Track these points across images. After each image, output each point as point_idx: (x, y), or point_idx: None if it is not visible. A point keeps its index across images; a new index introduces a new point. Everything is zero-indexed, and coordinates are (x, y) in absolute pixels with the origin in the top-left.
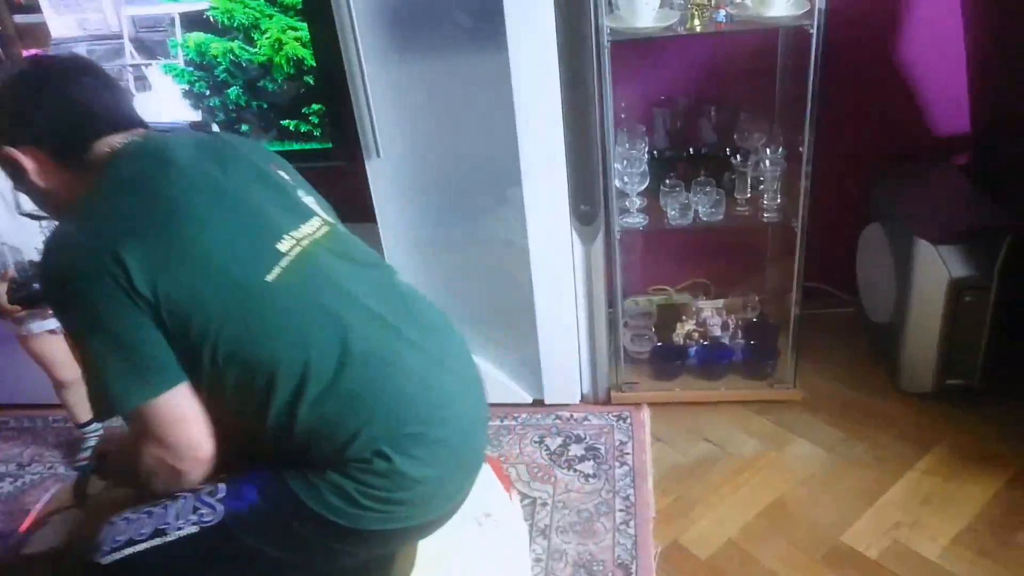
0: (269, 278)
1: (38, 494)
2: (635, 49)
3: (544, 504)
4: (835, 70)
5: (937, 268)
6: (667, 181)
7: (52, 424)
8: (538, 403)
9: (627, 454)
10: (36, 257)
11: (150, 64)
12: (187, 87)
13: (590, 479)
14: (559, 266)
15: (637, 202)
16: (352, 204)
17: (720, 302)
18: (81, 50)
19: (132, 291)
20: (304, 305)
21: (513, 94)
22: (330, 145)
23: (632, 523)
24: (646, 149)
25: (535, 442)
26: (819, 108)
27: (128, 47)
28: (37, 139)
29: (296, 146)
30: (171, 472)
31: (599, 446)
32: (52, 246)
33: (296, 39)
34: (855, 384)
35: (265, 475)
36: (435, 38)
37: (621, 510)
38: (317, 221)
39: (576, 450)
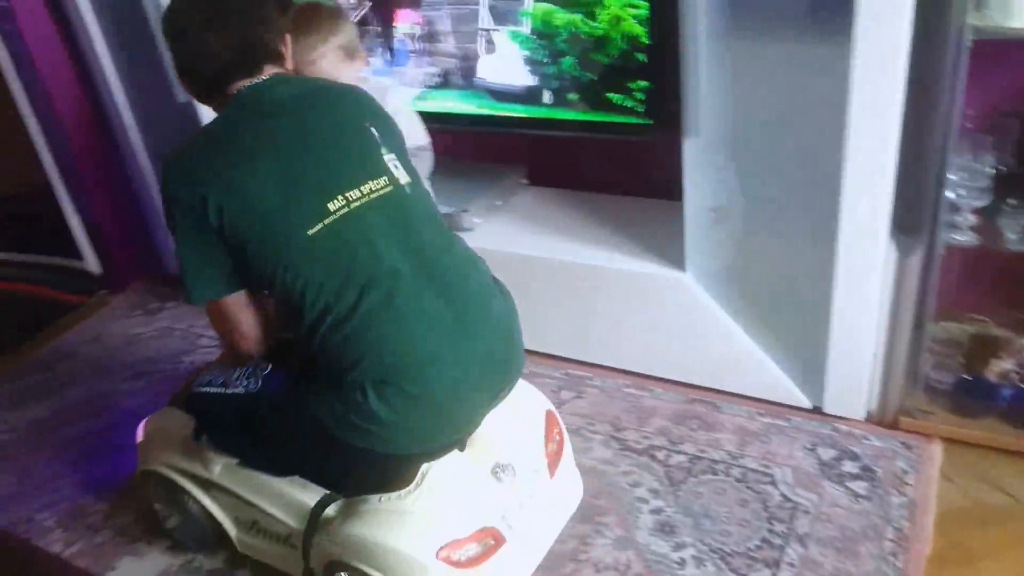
0: (310, 232)
1: None
2: (995, 51)
3: (806, 512)
4: None
5: None
6: (1011, 200)
7: None
8: (816, 410)
9: (907, 484)
10: None
11: (499, 30)
12: (528, 53)
13: (860, 500)
14: (867, 273)
15: (970, 219)
16: (653, 180)
17: None
18: (445, 14)
19: (205, 220)
20: (335, 259)
21: (849, 87)
22: (650, 122)
23: (901, 557)
24: (991, 163)
25: (806, 448)
26: None
27: (483, 13)
28: (182, 75)
29: (615, 118)
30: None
31: (876, 469)
32: (168, 160)
33: (634, 16)
34: None
35: (298, 371)
36: (774, 21)
37: (890, 540)
38: (384, 180)
39: (850, 467)
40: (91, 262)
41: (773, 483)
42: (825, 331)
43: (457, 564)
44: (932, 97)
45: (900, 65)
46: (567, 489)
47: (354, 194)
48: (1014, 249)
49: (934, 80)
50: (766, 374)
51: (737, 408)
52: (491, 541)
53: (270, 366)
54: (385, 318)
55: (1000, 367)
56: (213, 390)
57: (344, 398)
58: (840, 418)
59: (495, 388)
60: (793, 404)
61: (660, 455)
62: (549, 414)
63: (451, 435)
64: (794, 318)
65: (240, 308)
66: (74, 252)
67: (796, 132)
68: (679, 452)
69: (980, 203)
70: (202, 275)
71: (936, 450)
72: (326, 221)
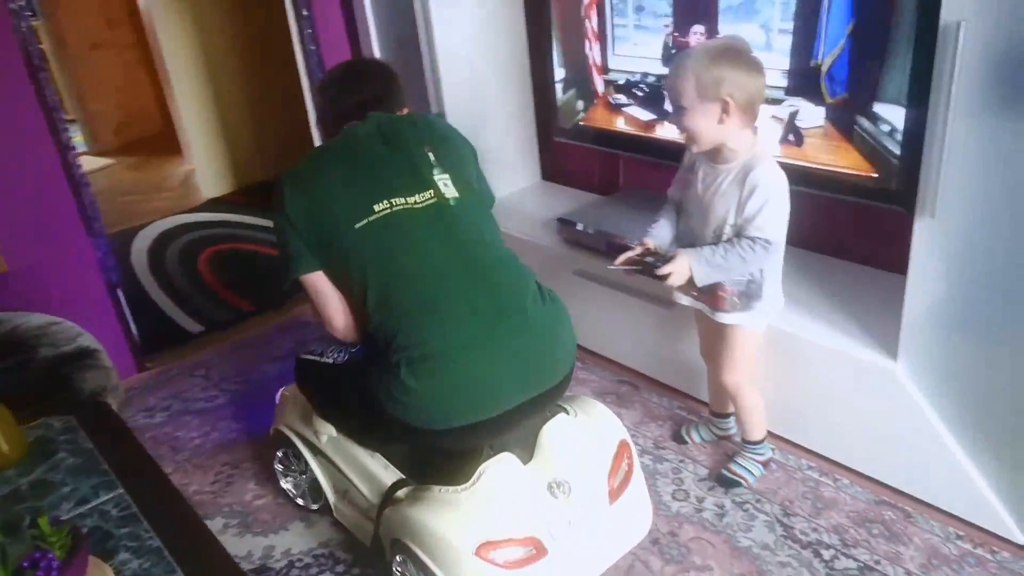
0: (358, 226)
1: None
2: None
3: None
4: None
5: None
6: None
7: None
8: None
9: None
10: None
11: None
12: None
13: None
14: None
15: None
16: (883, 250)
17: None
18: None
19: (291, 218)
20: (381, 252)
21: None
22: (893, 188)
23: None
24: None
25: None
26: None
27: None
28: (321, 118)
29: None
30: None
31: None
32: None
33: None
34: None
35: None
36: None
37: None
38: (429, 193)
39: None
40: None
41: None
42: None
43: (494, 563)
44: None
45: None
46: (628, 519)
47: (398, 201)
48: None
49: None
50: (974, 492)
51: (932, 523)
52: (532, 550)
53: (360, 347)
54: (424, 307)
55: None
56: (311, 357)
57: (386, 372)
58: None
59: (524, 381)
60: (1001, 535)
61: (826, 554)
62: (623, 443)
63: (472, 414)
64: (1020, 436)
65: (324, 284)
66: None
67: None
68: (849, 556)
69: None
70: (291, 258)
71: None
72: (370, 219)
